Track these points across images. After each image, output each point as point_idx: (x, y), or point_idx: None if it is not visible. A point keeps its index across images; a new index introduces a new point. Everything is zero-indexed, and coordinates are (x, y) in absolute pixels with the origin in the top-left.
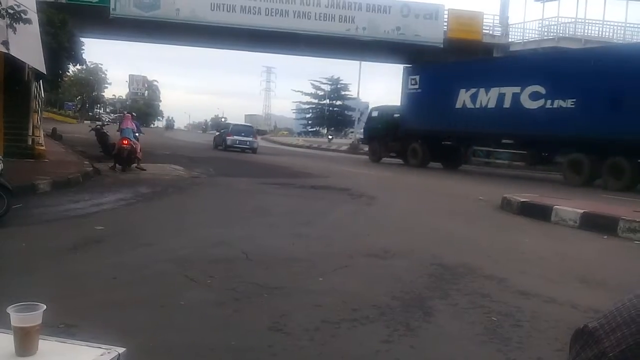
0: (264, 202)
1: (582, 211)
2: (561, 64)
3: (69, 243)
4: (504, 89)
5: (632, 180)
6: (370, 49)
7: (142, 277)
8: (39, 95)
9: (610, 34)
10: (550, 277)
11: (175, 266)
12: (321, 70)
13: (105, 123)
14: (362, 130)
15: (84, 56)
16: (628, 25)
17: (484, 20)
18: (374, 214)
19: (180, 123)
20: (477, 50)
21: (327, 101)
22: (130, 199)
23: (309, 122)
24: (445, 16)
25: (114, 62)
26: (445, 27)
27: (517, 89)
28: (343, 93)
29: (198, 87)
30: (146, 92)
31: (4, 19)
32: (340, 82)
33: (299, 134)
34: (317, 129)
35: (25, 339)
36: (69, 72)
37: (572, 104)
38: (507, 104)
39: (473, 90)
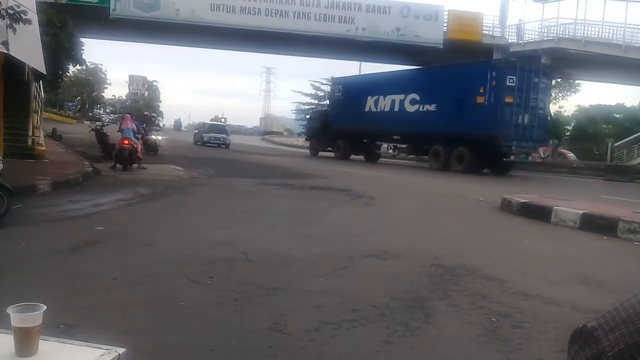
0: (263, 202)
1: (582, 212)
2: (429, 77)
3: (68, 243)
4: (394, 96)
5: (469, 164)
6: (370, 50)
7: (142, 277)
8: (38, 95)
9: (610, 35)
10: (551, 278)
11: (175, 267)
12: (321, 70)
13: (105, 123)
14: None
15: (83, 56)
16: (628, 26)
17: (484, 21)
18: (374, 215)
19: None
20: (477, 50)
21: (327, 102)
22: (130, 199)
23: None
24: (445, 17)
25: (113, 63)
26: (445, 28)
27: (402, 97)
28: None
29: (198, 88)
30: (146, 92)
31: (4, 19)
32: None
33: (299, 134)
34: None
35: (25, 340)
36: (68, 72)
37: (434, 108)
38: (396, 108)
39: (376, 97)
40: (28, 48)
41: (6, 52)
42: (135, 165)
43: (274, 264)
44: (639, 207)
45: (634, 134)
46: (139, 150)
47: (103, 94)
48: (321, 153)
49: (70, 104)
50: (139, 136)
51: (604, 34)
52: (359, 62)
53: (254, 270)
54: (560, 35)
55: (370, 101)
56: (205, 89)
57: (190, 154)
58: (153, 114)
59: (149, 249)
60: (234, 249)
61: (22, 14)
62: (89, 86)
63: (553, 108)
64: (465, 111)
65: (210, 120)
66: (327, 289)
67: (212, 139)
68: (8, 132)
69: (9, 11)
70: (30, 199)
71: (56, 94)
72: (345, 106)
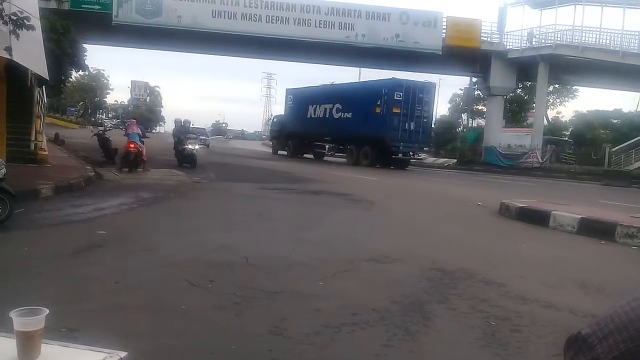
0: (264, 207)
1: (580, 217)
2: (347, 90)
3: (70, 247)
4: (326, 106)
5: (372, 160)
6: (370, 56)
7: (144, 281)
8: (41, 100)
9: (608, 41)
10: (549, 282)
11: (176, 270)
12: (321, 76)
13: (108, 128)
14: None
15: (86, 62)
16: (625, 32)
17: (482, 27)
18: (374, 219)
19: None
20: (475, 57)
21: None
22: (132, 203)
23: None
24: (444, 24)
25: (116, 68)
26: (444, 35)
27: (331, 106)
28: None
29: (199, 93)
30: (148, 97)
31: (7, 25)
32: None
33: None
34: None
35: (27, 343)
36: (71, 78)
37: (350, 116)
38: (327, 115)
39: (314, 106)
40: (31, 54)
41: (9, 57)
42: (140, 169)
43: (275, 268)
44: (636, 212)
45: (631, 139)
46: (144, 153)
47: (105, 99)
48: (324, 156)
49: (72, 109)
50: (144, 140)
51: (601, 41)
52: (358, 68)
53: (255, 274)
54: (558, 42)
55: (310, 109)
56: (206, 94)
57: None
58: (187, 119)
59: (150, 253)
60: (235, 253)
61: (25, 20)
62: (92, 91)
63: (551, 114)
64: (369, 119)
65: (211, 126)
66: (327, 293)
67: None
68: (11, 137)
69: (12, 17)
70: (33, 203)
71: (59, 99)
72: (294, 113)
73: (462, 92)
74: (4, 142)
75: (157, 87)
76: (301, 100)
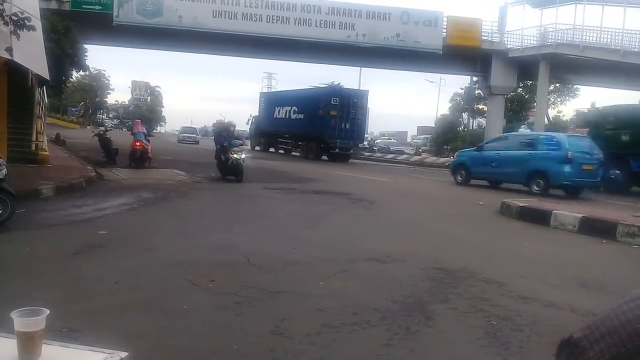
0: (265, 206)
1: (581, 216)
2: (302, 95)
3: (71, 248)
4: (287, 107)
5: (316, 154)
6: (370, 56)
7: (145, 281)
8: (42, 101)
9: (608, 40)
10: (550, 282)
11: (177, 270)
12: (321, 75)
13: (108, 128)
14: None
15: (87, 62)
16: (626, 31)
17: (483, 27)
18: (375, 218)
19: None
20: (476, 56)
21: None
22: (133, 203)
23: None
24: (445, 23)
25: (117, 69)
26: (445, 34)
27: (290, 108)
28: None
29: (200, 93)
30: (149, 98)
31: (7, 25)
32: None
33: None
34: None
35: (28, 344)
36: (72, 78)
37: (302, 117)
38: (287, 116)
39: (279, 107)
40: (32, 54)
41: (10, 58)
42: (146, 165)
43: (276, 268)
44: (637, 211)
45: None
46: (150, 151)
47: (106, 100)
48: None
49: (73, 109)
50: (149, 139)
51: (602, 40)
52: (359, 68)
53: (256, 274)
54: (559, 41)
55: (276, 110)
56: (207, 94)
57: (192, 158)
58: (230, 121)
59: (151, 253)
60: (236, 253)
61: (25, 21)
62: (92, 92)
63: (552, 113)
64: (313, 120)
65: (212, 125)
66: (329, 293)
67: (185, 138)
68: (12, 137)
69: (13, 18)
70: (34, 203)
71: (60, 99)
72: (265, 114)
73: (463, 91)
74: (4, 142)
75: (158, 87)
76: (270, 103)
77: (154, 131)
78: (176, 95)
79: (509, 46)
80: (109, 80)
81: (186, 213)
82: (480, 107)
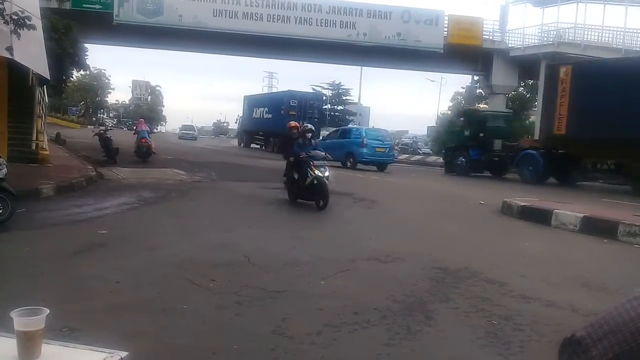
0: (265, 206)
1: (582, 215)
2: (271, 98)
3: (72, 247)
4: (261, 108)
5: (280, 149)
6: (371, 55)
7: (145, 281)
8: (42, 100)
9: (610, 39)
10: (551, 281)
11: (177, 270)
12: (322, 75)
13: (109, 128)
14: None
15: (87, 62)
16: (627, 30)
17: (484, 26)
18: (376, 218)
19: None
20: (477, 55)
21: (329, 106)
22: (133, 203)
23: None
24: (446, 22)
25: (117, 68)
26: (446, 33)
27: (262, 109)
28: (344, 98)
29: (200, 92)
30: (149, 97)
31: (8, 25)
32: (342, 87)
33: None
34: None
35: (28, 343)
36: (72, 77)
37: (270, 117)
38: (261, 115)
39: (256, 108)
40: (32, 53)
41: (10, 57)
42: (150, 157)
43: (276, 267)
44: (639, 211)
45: None
46: (153, 146)
47: (107, 99)
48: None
49: (74, 108)
50: (151, 136)
51: (603, 39)
52: (360, 67)
53: (256, 274)
54: (560, 40)
55: (254, 111)
56: (207, 93)
57: (193, 158)
58: (307, 125)
59: (151, 252)
60: (236, 252)
61: (26, 20)
62: (93, 91)
63: None
64: (278, 119)
65: (213, 125)
66: (329, 292)
67: (185, 135)
68: (12, 137)
69: (14, 17)
70: (34, 203)
71: (60, 98)
72: (246, 114)
73: (464, 90)
74: (5, 142)
75: (158, 86)
76: (250, 105)
77: (155, 130)
78: (177, 95)
79: (510, 45)
80: (109, 80)
81: (186, 212)
82: (482, 106)
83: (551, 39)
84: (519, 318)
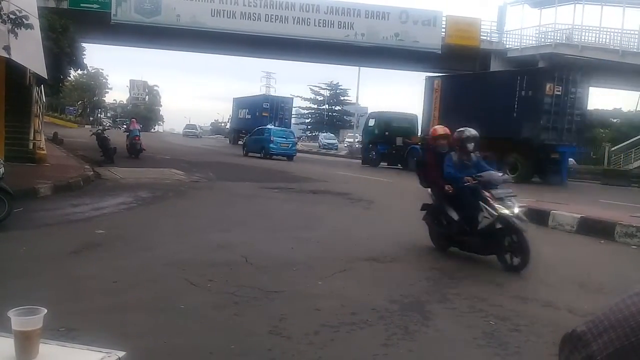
0: (263, 206)
1: (579, 216)
2: (249, 100)
3: (69, 247)
4: (244, 109)
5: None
6: (369, 55)
7: (142, 280)
8: (40, 99)
9: (607, 40)
10: (548, 282)
11: (175, 270)
12: (320, 75)
13: (106, 127)
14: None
15: (85, 61)
16: (625, 31)
17: (482, 26)
18: (373, 218)
19: (180, 128)
20: (475, 56)
21: (326, 106)
22: (131, 203)
23: (308, 127)
24: (444, 22)
25: (115, 67)
26: (444, 34)
27: (245, 110)
28: (342, 98)
29: (198, 92)
30: (147, 97)
31: (5, 24)
32: (339, 87)
33: (298, 138)
34: (316, 133)
35: (26, 343)
36: (70, 77)
37: (250, 117)
38: (244, 116)
39: (241, 109)
40: (29, 53)
41: (8, 56)
42: (142, 153)
43: (274, 268)
44: (636, 211)
45: (630, 138)
46: (143, 143)
47: (104, 99)
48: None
49: (71, 108)
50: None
51: (601, 40)
52: (358, 67)
53: (254, 274)
54: (558, 41)
55: (240, 112)
56: (205, 93)
57: (191, 157)
58: (467, 131)
59: (149, 252)
60: (234, 253)
61: (23, 19)
62: (90, 91)
63: None
64: (255, 119)
65: (211, 124)
66: (327, 293)
67: (188, 133)
68: (9, 136)
69: (11, 16)
70: (32, 202)
71: (57, 98)
72: (234, 114)
73: None
74: (2, 141)
75: (156, 86)
76: (237, 106)
77: (152, 130)
78: (174, 94)
79: (507, 46)
80: (107, 79)
81: (184, 212)
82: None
83: (549, 40)
84: (516, 319)
